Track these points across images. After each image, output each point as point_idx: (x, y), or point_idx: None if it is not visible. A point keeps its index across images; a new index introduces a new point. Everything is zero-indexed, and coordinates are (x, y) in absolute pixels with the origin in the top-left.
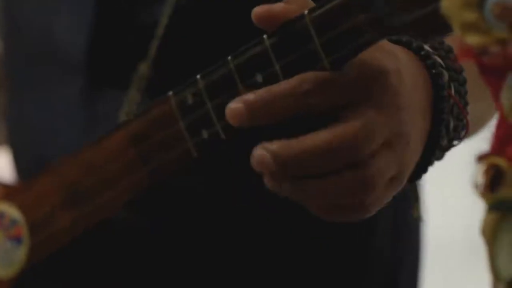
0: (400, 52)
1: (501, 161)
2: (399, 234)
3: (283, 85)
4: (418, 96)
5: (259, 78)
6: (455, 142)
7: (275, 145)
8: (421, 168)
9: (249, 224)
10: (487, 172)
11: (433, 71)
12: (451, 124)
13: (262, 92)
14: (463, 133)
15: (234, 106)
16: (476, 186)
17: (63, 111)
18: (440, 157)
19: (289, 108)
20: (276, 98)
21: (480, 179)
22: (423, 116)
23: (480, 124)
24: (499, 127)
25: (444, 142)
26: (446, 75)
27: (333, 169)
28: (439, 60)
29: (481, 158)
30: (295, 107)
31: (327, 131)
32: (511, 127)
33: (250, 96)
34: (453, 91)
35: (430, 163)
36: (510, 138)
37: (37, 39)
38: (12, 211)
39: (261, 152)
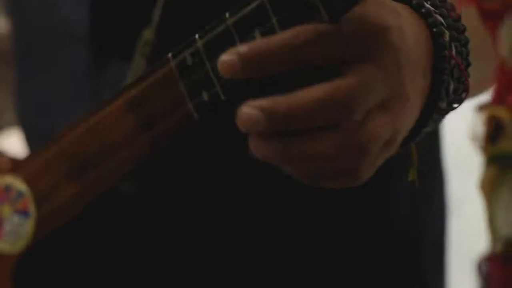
0: (401, 9)
1: (501, 112)
2: (419, 206)
3: (279, 36)
4: (420, 54)
5: (257, 34)
6: (455, 105)
7: (264, 101)
8: (417, 130)
9: (254, 193)
10: (487, 123)
11: (434, 30)
12: (451, 86)
13: (256, 43)
14: (463, 96)
15: (227, 58)
16: (476, 138)
17: (69, 84)
18: (438, 120)
19: (285, 60)
20: (272, 49)
21: (480, 130)
22: (423, 75)
23: (481, 86)
24: (499, 74)
25: (443, 104)
26: (447, 34)
27: (326, 125)
28: (440, 18)
29: (481, 108)
30: (292, 59)
31: (320, 86)
32: (511, 74)
33: (243, 48)
34: (454, 52)
35: (427, 125)
36: (511, 87)
37: (41, 14)
38: (18, 184)
39: (248, 110)
